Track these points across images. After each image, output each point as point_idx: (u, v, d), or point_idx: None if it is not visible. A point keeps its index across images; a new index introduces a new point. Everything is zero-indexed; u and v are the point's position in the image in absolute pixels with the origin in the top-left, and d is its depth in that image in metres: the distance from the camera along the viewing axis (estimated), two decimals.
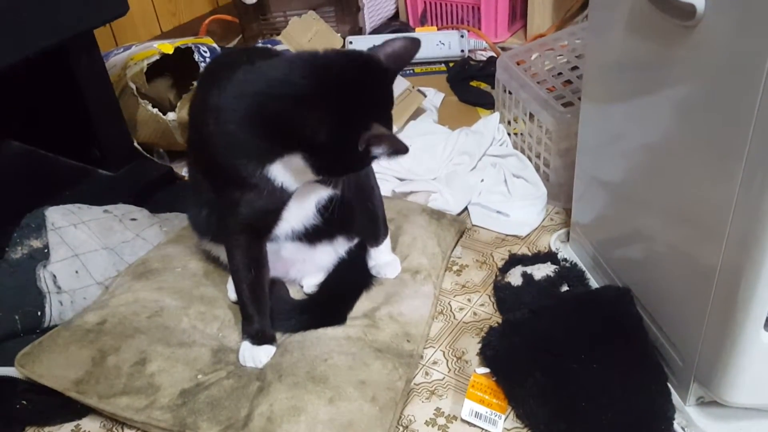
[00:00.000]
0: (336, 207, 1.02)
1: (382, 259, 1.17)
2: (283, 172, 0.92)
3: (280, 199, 0.96)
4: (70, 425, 1.05)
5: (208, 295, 1.16)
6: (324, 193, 1.02)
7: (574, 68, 1.44)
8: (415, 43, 0.94)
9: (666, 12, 0.81)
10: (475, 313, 1.18)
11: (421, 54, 1.94)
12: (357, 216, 1.11)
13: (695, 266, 0.87)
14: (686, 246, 0.89)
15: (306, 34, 1.81)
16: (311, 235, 1.07)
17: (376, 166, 1.09)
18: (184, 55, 1.61)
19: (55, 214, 1.22)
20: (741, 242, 0.77)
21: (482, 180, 1.46)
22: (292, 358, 1.02)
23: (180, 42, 1.63)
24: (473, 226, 1.39)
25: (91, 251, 1.21)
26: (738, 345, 0.83)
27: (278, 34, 1.87)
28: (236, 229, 1.00)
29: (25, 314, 1.12)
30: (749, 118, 0.71)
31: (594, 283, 1.18)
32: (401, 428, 1.00)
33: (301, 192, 0.98)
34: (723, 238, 0.79)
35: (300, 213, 1.03)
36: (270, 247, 1.04)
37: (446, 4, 2.10)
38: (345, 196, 1.02)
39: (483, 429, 0.97)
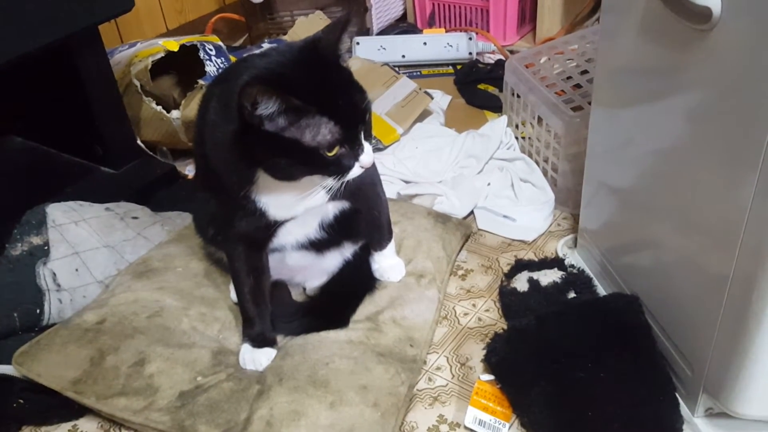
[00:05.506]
0: (342, 222, 1.02)
1: (386, 262, 1.16)
2: (264, 190, 0.91)
3: (269, 219, 0.96)
4: (68, 425, 1.03)
5: (209, 296, 1.14)
6: (330, 211, 1.02)
7: (584, 72, 1.42)
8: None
9: (681, 15, 0.79)
10: (479, 319, 1.17)
11: (429, 56, 1.97)
12: (363, 223, 1.10)
13: (706, 275, 0.85)
14: (697, 254, 0.88)
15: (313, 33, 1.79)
16: (317, 245, 1.06)
17: (381, 168, 1.08)
18: (189, 52, 1.60)
19: (56, 211, 1.21)
20: (755, 251, 0.75)
21: (489, 184, 1.44)
22: (293, 361, 1.01)
23: (185, 39, 1.62)
24: (479, 230, 1.37)
25: (91, 249, 1.20)
26: (749, 356, 0.81)
27: (285, 34, 1.86)
28: (234, 239, 1.00)
29: (23, 312, 1.11)
30: (766, 124, 0.69)
31: (602, 291, 1.16)
32: None
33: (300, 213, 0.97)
34: (736, 246, 0.77)
35: (302, 230, 1.02)
36: (275, 255, 1.04)
37: (454, 6, 2.08)
38: (351, 208, 1.03)
39: None
